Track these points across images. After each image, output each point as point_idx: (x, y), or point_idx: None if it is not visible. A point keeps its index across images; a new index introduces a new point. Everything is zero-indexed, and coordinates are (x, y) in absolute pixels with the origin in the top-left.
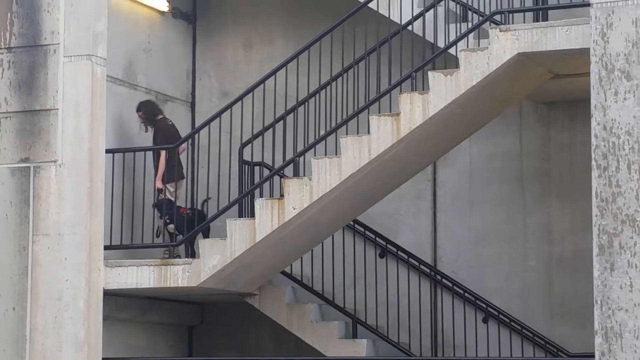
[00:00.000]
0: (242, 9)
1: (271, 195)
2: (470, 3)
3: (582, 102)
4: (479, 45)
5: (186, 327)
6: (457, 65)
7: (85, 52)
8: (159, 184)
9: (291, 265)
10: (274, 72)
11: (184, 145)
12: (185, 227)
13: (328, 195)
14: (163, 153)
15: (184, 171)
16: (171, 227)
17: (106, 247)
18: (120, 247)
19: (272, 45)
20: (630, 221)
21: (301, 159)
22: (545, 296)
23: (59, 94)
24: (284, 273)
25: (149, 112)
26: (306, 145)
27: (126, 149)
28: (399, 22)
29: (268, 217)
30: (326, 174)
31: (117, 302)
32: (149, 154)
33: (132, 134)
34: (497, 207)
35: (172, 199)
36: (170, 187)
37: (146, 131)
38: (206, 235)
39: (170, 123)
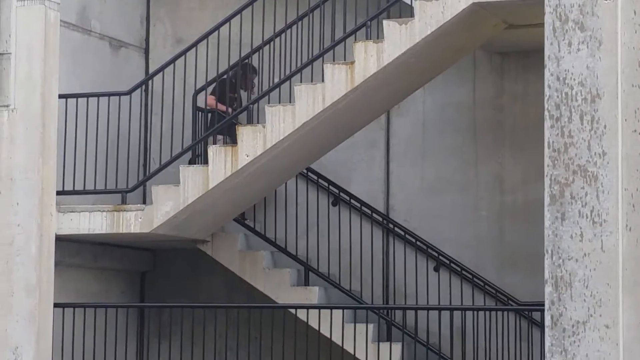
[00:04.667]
0: None
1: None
2: None
3: (535, 52)
4: None
5: (138, 273)
6: (412, 15)
7: None
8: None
9: (244, 212)
10: (228, 19)
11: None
12: None
13: (281, 143)
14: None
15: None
16: None
17: (59, 193)
18: (73, 193)
19: None
20: (581, 171)
21: (255, 106)
22: (497, 246)
23: (11, 38)
24: (236, 220)
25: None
26: (260, 92)
27: (79, 95)
28: None
29: (221, 164)
30: (280, 122)
31: (69, 247)
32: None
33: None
34: (450, 157)
35: None
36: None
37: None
38: None
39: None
